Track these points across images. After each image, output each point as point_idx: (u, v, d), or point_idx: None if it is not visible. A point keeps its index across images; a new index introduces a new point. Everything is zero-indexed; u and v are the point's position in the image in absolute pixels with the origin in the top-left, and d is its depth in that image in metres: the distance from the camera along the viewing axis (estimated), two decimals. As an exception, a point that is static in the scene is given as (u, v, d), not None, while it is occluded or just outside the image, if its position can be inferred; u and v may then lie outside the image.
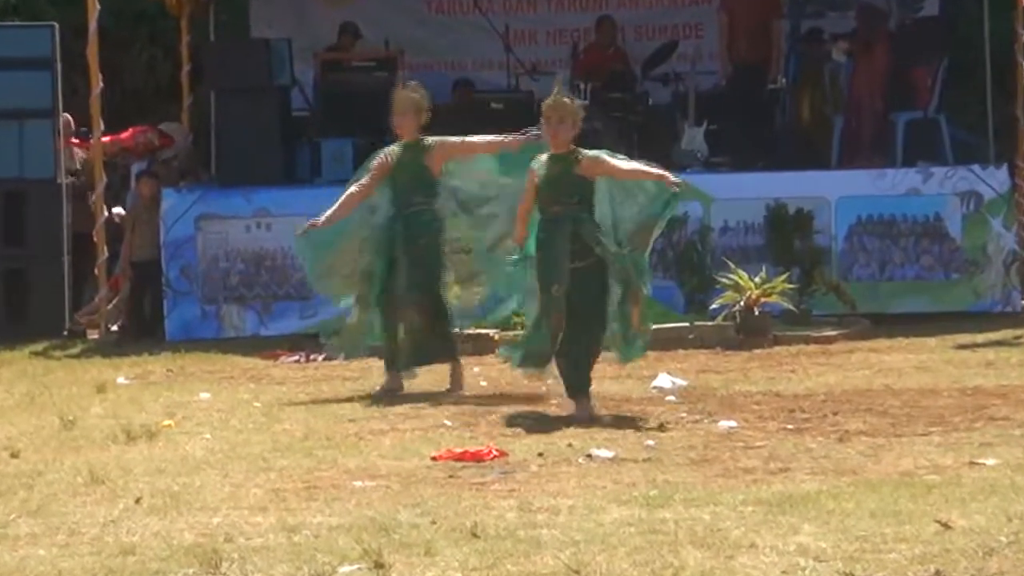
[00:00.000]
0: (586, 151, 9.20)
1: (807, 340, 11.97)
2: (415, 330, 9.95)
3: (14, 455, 8.14)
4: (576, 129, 9.19)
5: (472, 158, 10.11)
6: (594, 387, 9.18)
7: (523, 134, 9.86)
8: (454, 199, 10.10)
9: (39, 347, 12.78)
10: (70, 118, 14.39)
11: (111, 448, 8.32)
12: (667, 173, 9.15)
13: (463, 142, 10.17)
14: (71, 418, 9.13)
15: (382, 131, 13.91)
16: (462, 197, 10.11)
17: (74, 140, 14.43)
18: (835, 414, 8.90)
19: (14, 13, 18.29)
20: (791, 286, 12.29)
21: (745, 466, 7.50)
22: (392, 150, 10.15)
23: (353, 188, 10.07)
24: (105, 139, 13.84)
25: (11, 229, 13.64)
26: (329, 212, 9.96)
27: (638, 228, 9.17)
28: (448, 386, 10.02)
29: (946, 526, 6.08)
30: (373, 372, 11.18)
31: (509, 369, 11.12)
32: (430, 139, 10.10)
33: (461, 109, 14.89)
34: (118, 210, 14.12)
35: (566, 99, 9.23)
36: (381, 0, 15.89)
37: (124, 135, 14.74)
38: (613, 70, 14.78)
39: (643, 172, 9.21)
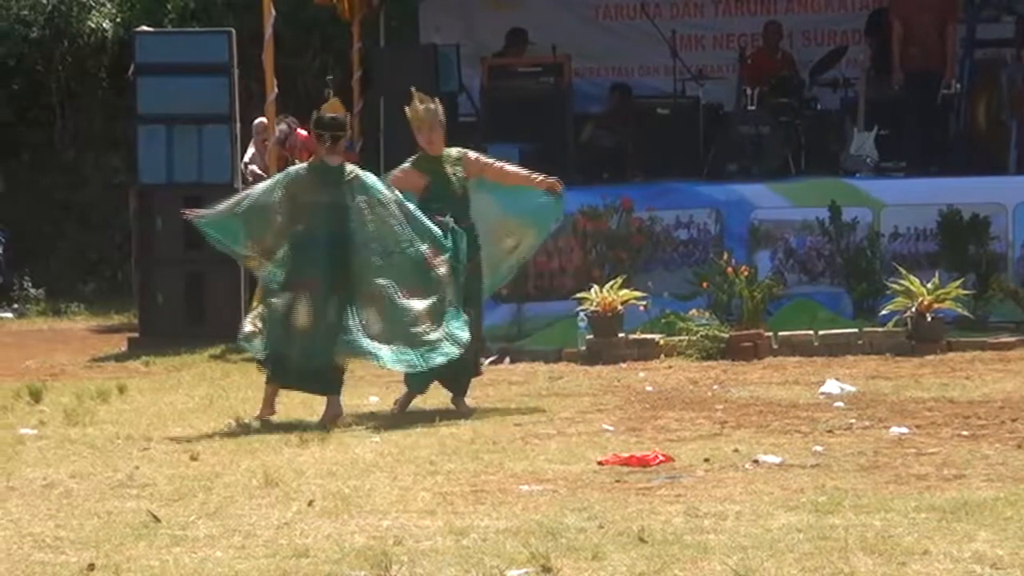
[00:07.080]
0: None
1: (983, 346, 11.75)
2: None
3: (193, 458, 8.33)
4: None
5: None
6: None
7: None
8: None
9: (217, 350, 13.05)
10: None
11: (284, 451, 8.46)
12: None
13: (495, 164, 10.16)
14: (247, 421, 9.31)
15: (548, 136, 14.08)
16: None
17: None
18: (1013, 420, 8.72)
19: (193, 19, 18.71)
20: (966, 292, 12.06)
21: (917, 472, 7.39)
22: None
23: None
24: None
25: (191, 233, 13.86)
26: None
27: None
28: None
29: None
30: (538, 376, 11.24)
31: (675, 374, 11.14)
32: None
33: (620, 114, 14.88)
34: None
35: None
36: (549, 6, 15.96)
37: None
38: (780, 75, 14.67)
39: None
